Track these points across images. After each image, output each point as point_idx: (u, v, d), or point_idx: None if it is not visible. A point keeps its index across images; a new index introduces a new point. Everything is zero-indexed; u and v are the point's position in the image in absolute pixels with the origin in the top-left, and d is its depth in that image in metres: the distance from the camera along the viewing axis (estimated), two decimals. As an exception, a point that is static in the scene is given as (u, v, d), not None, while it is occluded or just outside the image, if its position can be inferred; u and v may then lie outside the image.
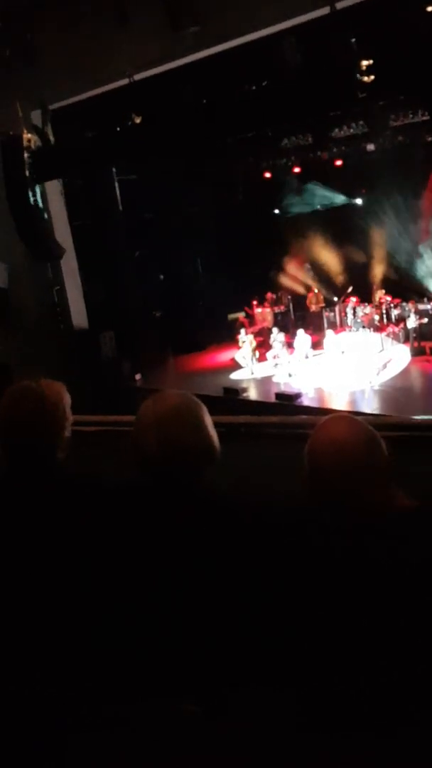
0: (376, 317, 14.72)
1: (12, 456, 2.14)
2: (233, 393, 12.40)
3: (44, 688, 1.86)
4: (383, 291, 15.24)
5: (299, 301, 16.78)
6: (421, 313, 13.85)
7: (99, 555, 1.89)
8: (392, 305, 14.76)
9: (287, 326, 15.55)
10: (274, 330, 14.60)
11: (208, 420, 1.91)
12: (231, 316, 16.74)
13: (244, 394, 12.57)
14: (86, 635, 1.87)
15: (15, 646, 1.94)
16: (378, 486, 1.70)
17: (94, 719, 1.79)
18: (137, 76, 10.97)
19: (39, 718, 1.82)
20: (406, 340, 13.73)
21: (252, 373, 13.83)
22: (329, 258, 16.50)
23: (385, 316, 14.74)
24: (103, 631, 1.85)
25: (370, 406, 11.24)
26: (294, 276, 17.07)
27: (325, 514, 1.73)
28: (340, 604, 1.62)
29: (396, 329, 14.12)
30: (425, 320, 13.69)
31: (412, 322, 13.69)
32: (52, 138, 12.05)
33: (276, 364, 13.85)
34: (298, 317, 16.23)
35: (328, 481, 1.71)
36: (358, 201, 16.07)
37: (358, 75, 8.62)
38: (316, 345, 14.25)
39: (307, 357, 13.82)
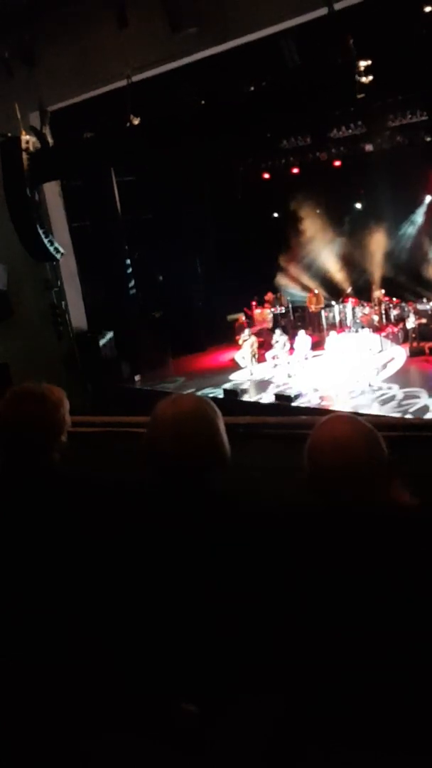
0: (376, 318, 14.73)
1: (8, 454, 2.16)
2: (233, 394, 12.39)
3: (41, 688, 1.86)
4: (382, 291, 15.25)
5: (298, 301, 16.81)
6: (420, 313, 13.87)
7: (97, 554, 1.89)
8: (391, 305, 14.77)
9: (286, 327, 15.55)
10: (277, 331, 14.60)
11: (222, 425, 1.93)
12: (230, 317, 16.74)
13: (244, 395, 12.56)
14: (82, 634, 1.87)
15: (10, 647, 1.94)
16: (378, 484, 1.70)
17: (92, 720, 1.79)
18: (136, 78, 10.96)
19: (36, 719, 1.82)
20: (406, 340, 13.74)
21: (251, 374, 13.83)
22: (329, 258, 16.51)
23: (384, 316, 14.75)
24: (98, 629, 1.85)
25: (370, 406, 11.24)
26: (294, 276, 17.08)
27: (326, 513, 1.73)
28: (341, 602, 1.62)
29: (395, 329, 14.13)
30: (424, 320, 13.71)
31: (411, 323, 13.71)
32: (50, 139, 12.04)
33: (275, 365, 13.85)
34: (298, 318, 16.23)
35: (329, 480, 1.71)
36: (357, 205, 16.11)
37: (356, 75, 8.61)
38: (316, 346, 14.24)
39: (306, 358, 13.81)
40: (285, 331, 14.81)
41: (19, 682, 1.91)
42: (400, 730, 1.55)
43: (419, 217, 15.26)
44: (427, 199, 15.18)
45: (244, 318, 16.38)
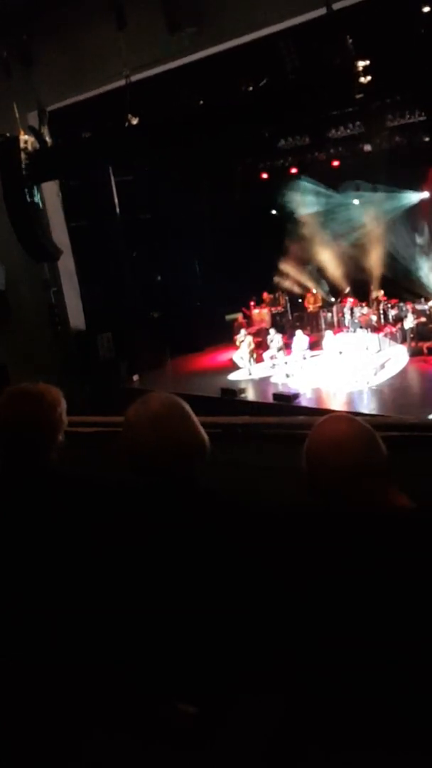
0: (374, 317, 14.73)
1: (6, 454, 2.16)
2: (231, 394, 12.39)
3: (41, 688, 1.86)
4: (381, 291, 15.26)
5: (296, 301, 16.83)
6: (418, 313, 13.88)
7: (96, 554, 1.89)
8: (389, 305, 14.78)
9: (284, 327, 15.56)
10: (271, 331, 14.62)
11: (195, 417, 1.95)
12: (229, 317, 16.74)
13: (242, 395, 12.56)
14: (81, 634, 1.87)
15: (9, 646, 1.94)
16: (376, 484, 1.70)
17: (92, 721, 1.79)
18: (134, 77, 10.95)
19: (36, 719, 1.82)
20: (404, 340, 13.75)
21: (250, 374, 13.84)
22: (327, 258, 16.51)
23: (382, 316, 14.76)
24: (97, 629, 1.85)
25: (368, 406, 11.24)
26: (292, 276, 17.08)
27: (325, 513, 1.72)
28: (340, 602, 1.62)
29: (393, 329, 14.14)
30: (423, 320, 13.72)
31: (409, 323, 13.72)
32: (48, 139, 12.03)
33: (273, 365, 13.85)
34: (296, 318, 16.24)
35: (327, 480, 1.71)
36: (355, 201, 16.11)
37: (354, 76, 8.61)
38: (314, 345, 14.25)
39: (304, 358, 13.82)
40: (281, 330, 14.83)
41: (18, 682, 1.91)
42: (400, 729, 1.55)
43: (417, 216, 15.25)
44: (426, 198, 15.17)
45: (242, 318, 16.39)
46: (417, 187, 15.02)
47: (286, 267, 17.08)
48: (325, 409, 10.87)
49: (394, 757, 1.53)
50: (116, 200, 15.66)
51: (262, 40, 10.06)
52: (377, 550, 1.63)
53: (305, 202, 16.48)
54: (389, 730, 1.55)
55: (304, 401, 11.75)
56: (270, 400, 12.06)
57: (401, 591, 1.58)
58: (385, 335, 14.08)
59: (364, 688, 1.58)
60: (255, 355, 14.19)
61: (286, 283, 17.15)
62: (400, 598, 1.58)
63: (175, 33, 10.29)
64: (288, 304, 16.81)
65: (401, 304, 14.57)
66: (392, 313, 14.65)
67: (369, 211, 15.64)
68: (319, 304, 16.14)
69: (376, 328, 14.40)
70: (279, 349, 14.05)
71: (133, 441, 1.92)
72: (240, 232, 16.51)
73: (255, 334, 15.09)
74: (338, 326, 15.43)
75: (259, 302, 16.79)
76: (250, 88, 10.23)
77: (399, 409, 10.70)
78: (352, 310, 15.27)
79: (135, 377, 14.62)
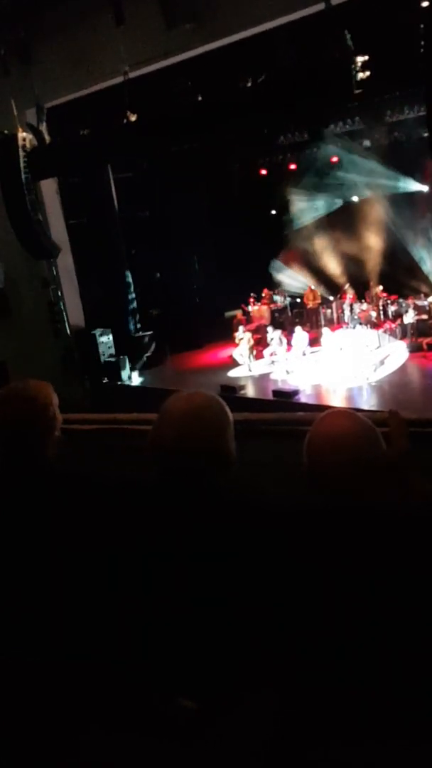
0: (374, 314, 14.72)
1: (3, 455, 2.15)
2: (231, 390, 12.39)
3: (40, 686, 1.86)
4: (380, 287, 15.25)
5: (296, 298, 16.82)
6: (418, 309, 13.86)
7: (96, 553, 1.89)
8: (389, 301, 14.76)
9: (284, 323, 15.55)
10: (269, 329, 14.62)
11: (231, 427, 1.90)
12: (228, 314, 16.72)
13: (242, 392, 12.57)
14: (81, 632, 1.87)
15: (9, 644, 1.94)
16: (377, 479, 1.69)
17: (92, 718, 1.79)
18: (132, 74, 10.94)
19: (35, 715, 1.82)
20: (404, 336, 13.73)
21: (250, 371, 13.84)
22: (326, 254, 16.50)
23: (382, 312, 14.74)
24: (97, 627, 1.85)
25: (368, 402, 11.24)
26: (291, 273, 17.07)
27: (325, 510, 1.72)
28: (339, 600, 1.62)
29: (393, 325, 14.12)
30: (423, 316, 13.70)
31: (409, 318, 13.70)
32: (47, 137, 12.03)
33: (273, 362, 13.85)
34: (296, 314, 16.23)
35: (328, 476, 1.70)
36: (354, 198, 16.11)
37: (353, 71, 8.60)
38: (314, 342, 14.25)
39: (304, 354, 13.81)
40: (281, 326, 14.82)
41: (17, 679, 1.91)
42: (401, 727, 1.55)
43: (416, 212, 15.23)
44: (425, 193, 15.16)
45: (242, 315, 16.38)
46: (416, 183, 15.01)
47: (286, 263, 17.06)
48: (325, 406, 10.86)
49: (394, 754, 1.53)
50: (115, 197, 15.64)
51: (261, 36, 10.05)
52: (379, 547, 1.63)
53: (304, 198, 16.47)
54: (390, 727, 1.55)
55: (304, 398, 11.75)
56: (270, 396, 12.06)
57: (402, 587, 1.58)
58: (385, 331, 14.06)
59: (366, 685, 1.58)
60: (254, 352, 14.19)
61: (286, 280, 17.14)
62: (400, 593, 1.58)
63: (173, 29, 10.28)
64: (287, 301, 16.80)
65: (401, 300, 14.56)
66: (392, 309, 14.64)
67: (368, 207, 15.63)
68: (319, 300, 16.12)
69: (375, 325, 14.38)
70: (279, 344, 14.04)
71: (157, 434, 1.90)
72: (239, 229, 16.49)
73: (254, 331, 15.07)
74: (338, 323, 15.42)
75: (259, 299, 16.78)
76: (249, 84, 10.22)
77: (399, 405, 10.68)
78: (351, 306, 15.25)
79: (135, 374, 14.62)
